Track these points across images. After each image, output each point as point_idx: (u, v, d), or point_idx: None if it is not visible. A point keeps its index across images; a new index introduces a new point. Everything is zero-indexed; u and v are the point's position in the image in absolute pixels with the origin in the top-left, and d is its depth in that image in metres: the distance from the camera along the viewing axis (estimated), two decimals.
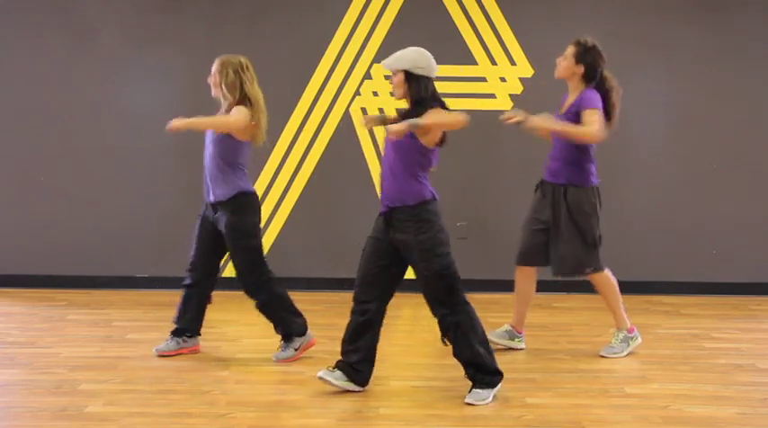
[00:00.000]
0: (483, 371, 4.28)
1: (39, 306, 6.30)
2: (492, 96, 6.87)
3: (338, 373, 4.36)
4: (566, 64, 5.00)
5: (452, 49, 6.81)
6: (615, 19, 6.85)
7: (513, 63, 6.86)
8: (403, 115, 4.29)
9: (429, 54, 4.32)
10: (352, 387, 4.38)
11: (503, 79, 6.88)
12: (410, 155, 4.22)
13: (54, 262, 6.89)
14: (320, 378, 4.37)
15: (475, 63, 6.86)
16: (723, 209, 6.92)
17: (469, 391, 4.29)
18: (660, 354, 5.19)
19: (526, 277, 5.17)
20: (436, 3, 6.82)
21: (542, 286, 6.18)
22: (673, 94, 6.94)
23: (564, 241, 4.97)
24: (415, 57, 4.27)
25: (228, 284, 6.82)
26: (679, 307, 6.50)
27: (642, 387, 4.56)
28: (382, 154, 4.40)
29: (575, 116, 4.91)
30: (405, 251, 4.26)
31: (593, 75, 4.96)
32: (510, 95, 6.84)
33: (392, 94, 4.41)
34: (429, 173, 4.29)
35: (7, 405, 4.20)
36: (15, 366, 4.82)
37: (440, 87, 6.64)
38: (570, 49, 5.00)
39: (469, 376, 4.31)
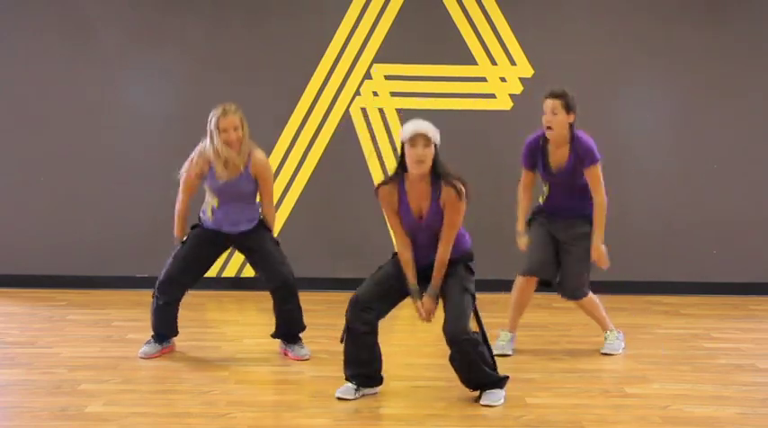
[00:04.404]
0: (491, 385, 4.33)
1: (39, 306, 6.30)
2: (492, 96, 6.87)
3: (360, 390, 4.35)
4: (560, 119, 4.87)
5: (452, 49, 6.81)
6: (615, 19, 6.86)
7: (513, 63, 6.86)
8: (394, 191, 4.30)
9: None
10: (372, 390, 4.40)
11: (503, 79, 6.88)
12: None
13: (54, 262, 6.89)
14: (342, 398, 4.32)
15: (475, 63, 6.86)
16: (723, 209, 6.92)
17: (480, 394, 4.31)
18: (660, 354, 5.19)
19: (530, 287, 5.18)
20: (436, 3, 6.82)
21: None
22: (673, 94, 6.94)
23: (576, 267, 5.04)
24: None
25: (228, 284, 6.85)
26: (679, 307, 6.50)
27: (642, 387, 4.56)
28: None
29: (576, 169, 4.92)
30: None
31: (575, 119, 4.95)
32: (510, 95, 6.84)
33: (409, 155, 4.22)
34: None
35: (7, 405, 4.20)
36: (15, 366, 4.82)
37: (440, 87, 6.76)
38: (556, 103, 4.86)
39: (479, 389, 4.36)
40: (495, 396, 4.27)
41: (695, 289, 6.92)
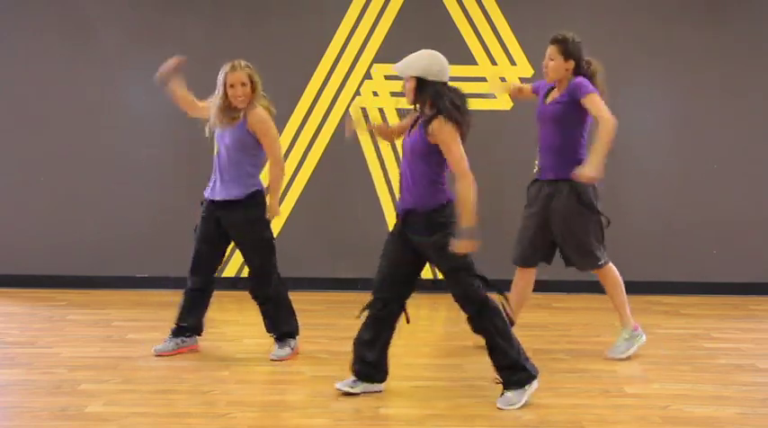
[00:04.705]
0: (511, 370, 4.25)
1: (39, 306, 6.30)
2: (492, 96, 6.86)
3: (360, 384, 4.36)
4: (555, 64, 4.92)
5: (452, 49, 6.73)
6: (615, 19, 6.86)
7: (513, 63, 6.87)
8: (414, 119, 4.31)
9: (441, 56, 4.25)
10: (374, 387, 4.39)
11: (503, 79, 6.87)
12: (429, 158, 4.22)
13: (54, 262, 6.90)
14: (340, 389, 4.35)
15: (475, 63, 6.86)
16: (723, 209, 6.92)
17: (501, 394, 4.27)
18: (660, 354, 5.19)
19: (525, 278, 5.16)
20: (436, 3, 6.82)
21: (542, 286, 6.20)
22: (673, 94, 6.94)
23: (568, 237, 4.96)
24: (428, 62, 4.22)
25: (228, 284, 6.84)
26: (679, 307, 6.50)
27: (642, 387, 4.56)
28: (401, 158, 4.43)
29: (565, 105, 4.88)
30: (421, 251, 4.28)
31: (581, 65, 4.92)
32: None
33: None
34: (447, 174, 4.29)
35: (7, 405, 4.20)
36: (15, 366, 4.82)
37: None
38: (553, 49, 4.92)
39: (502, 380, 4.28)
40: (506, 401, 4.22)
41: (695, 289, 6.92)
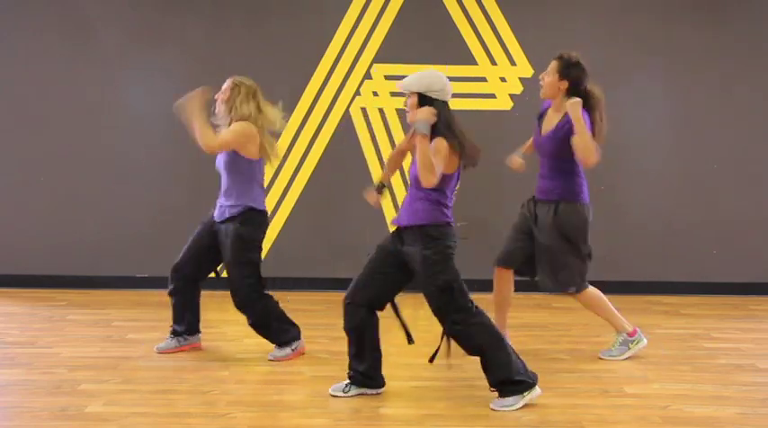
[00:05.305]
0: (506, 383, 4.23)
1: (39, 306, 6.30)
2: (492, 96, 6.87)
3: (354, 388, 4.37)
4: (549, 80, 4.88)
5: (452, 49, 6.81)
6: (615, 19, 6.86)
7: (513, 63, 6.87)
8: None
9: (444, 77, 4.25)
10: (368, 391, 4.39)
11: (503, 79, 6.88)
12: None
13: (54, 262, 6.90)
14: (333, 394, 4.37)
15: (475, 63, 6.86)
16: (723, 209, 6.92)
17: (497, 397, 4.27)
18: (660, 354, 5.19)
19: (505, 279, 5.11)
20: (436, 3, 6.82)
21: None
22: (673, 94, 6.94)
23: (552, 257, 4.90)
24: (430, 80, 4.22)
25: (228, 284, 6.84)
26: (679, 307, 6.50)
27: (642, 387, 4.56)
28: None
29: (561, 141, 4.82)
30: (411, 263, 4.27)
31: (576, 91, 4.84)
32: (510, 95, 6.84)
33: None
34: (449, 196, 4.27)
35: (7, 405, 4.20)
36: (15, 366, 4.82)
37: None
38: (553, 64, 4.89)
39: (498, 390, 4.26)
40: (501, 403, 4.21)
41: (695, 289, 6.92)
